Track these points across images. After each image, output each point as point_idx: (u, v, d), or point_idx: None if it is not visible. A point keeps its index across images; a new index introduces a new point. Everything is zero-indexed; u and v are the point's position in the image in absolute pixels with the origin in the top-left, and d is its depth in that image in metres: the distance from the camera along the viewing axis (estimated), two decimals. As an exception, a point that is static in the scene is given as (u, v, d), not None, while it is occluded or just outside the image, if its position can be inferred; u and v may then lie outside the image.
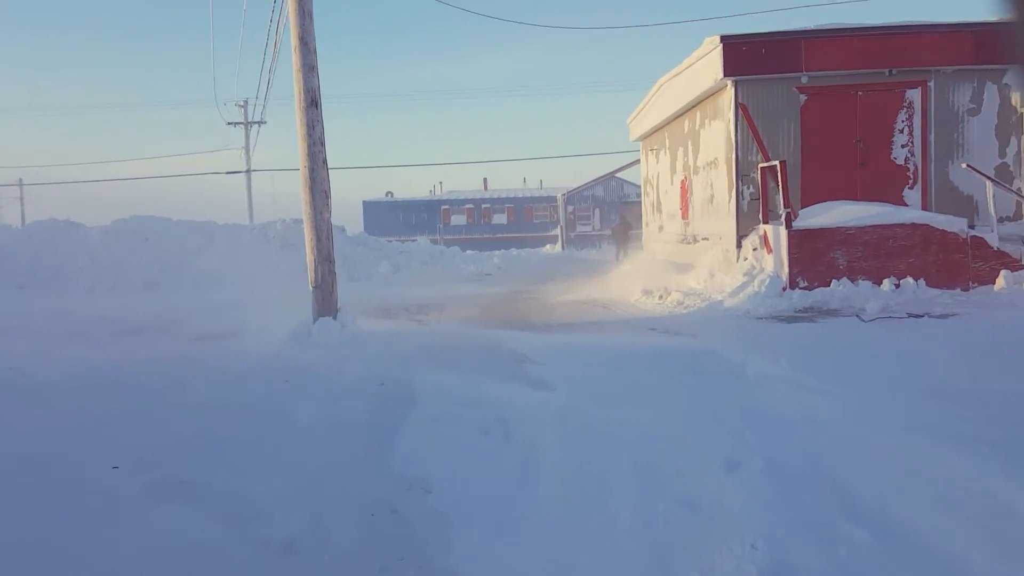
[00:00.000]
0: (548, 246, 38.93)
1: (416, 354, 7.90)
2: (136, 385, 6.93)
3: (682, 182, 16.36)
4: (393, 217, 49.01)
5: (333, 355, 8.01)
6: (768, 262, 11.17)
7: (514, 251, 29.29)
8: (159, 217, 25.18)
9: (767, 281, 10.34)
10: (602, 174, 46.27)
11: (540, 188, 53.56)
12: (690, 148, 15.60)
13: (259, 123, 35.78)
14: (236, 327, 11.02)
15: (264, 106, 37.39)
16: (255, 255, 23.77)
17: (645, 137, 21.18)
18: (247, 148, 36.70)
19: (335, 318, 9.28)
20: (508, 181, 67.57)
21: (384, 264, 23.13)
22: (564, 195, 46.43)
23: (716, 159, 13.68)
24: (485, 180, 54.46)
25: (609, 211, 45.94)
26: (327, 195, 9.19)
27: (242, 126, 36.39)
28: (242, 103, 35.67)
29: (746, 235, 12.35)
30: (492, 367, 7.02)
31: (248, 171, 36.86)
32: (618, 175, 45.95)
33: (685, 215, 16.15)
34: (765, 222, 11.64)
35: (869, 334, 8.14)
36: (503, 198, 50.35)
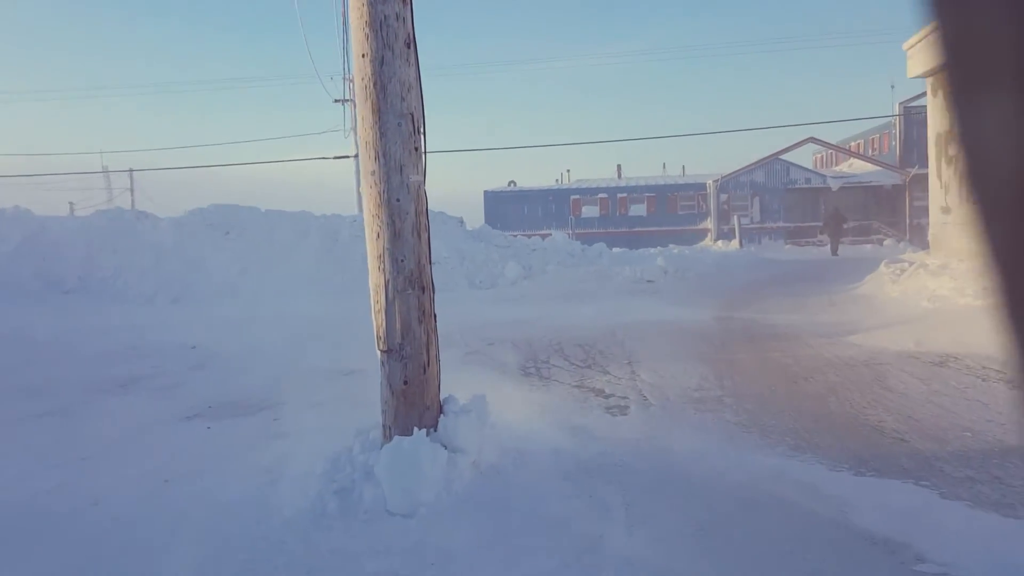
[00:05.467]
0: (720, 243, 32.19)
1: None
2: None
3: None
4: (517, 209, 43.49)
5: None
6: None
7: (675, 249, 23.16)
8: (244, 206, 20.74)
9: None
10: (764, 156, 38.98)
11: (683, 175, 46.72)
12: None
13: (369, 100, 31.45)
14: (287, 390, 6.75)
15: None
16: (355, 253, 18.88)
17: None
18: (356, 129, 32.32)
19: (434, 430, 3.78)
20: (644, 169, 60.91)
21: (512, 266, 17.71)
22: (716, 181, 39.46)
23: None
24: (619, 167, 48.23)
25: (771, 199, 38.64)
26: (415, 127, 3.63)
27: (351, 103, 32.03)
28: (351, 77, 31.32)
29: None
30: None
31: (357, 156, 32.55)
32: (782, 157, 38.58)
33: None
34: None
35: None
36: (642, 186, 43.69)
